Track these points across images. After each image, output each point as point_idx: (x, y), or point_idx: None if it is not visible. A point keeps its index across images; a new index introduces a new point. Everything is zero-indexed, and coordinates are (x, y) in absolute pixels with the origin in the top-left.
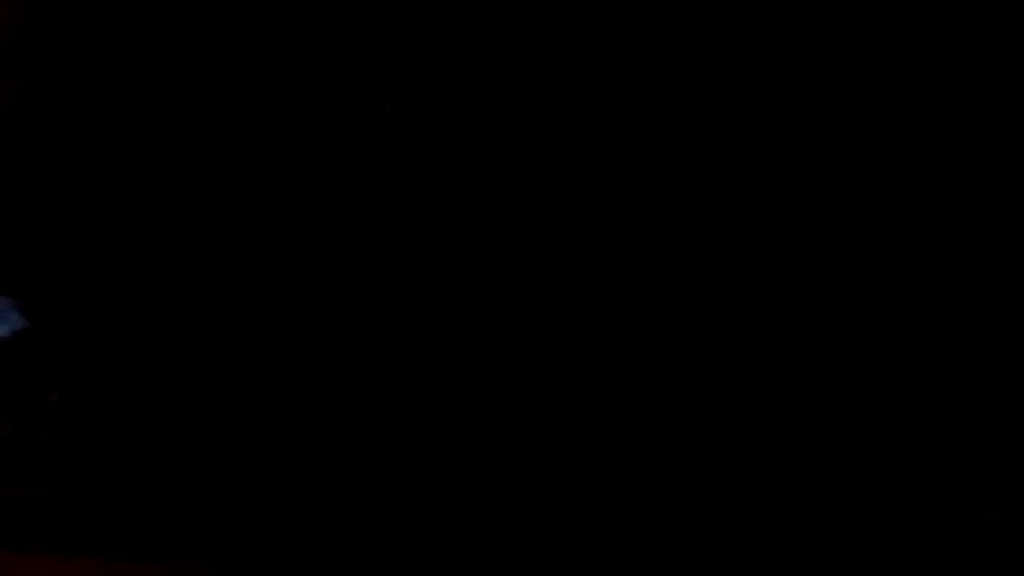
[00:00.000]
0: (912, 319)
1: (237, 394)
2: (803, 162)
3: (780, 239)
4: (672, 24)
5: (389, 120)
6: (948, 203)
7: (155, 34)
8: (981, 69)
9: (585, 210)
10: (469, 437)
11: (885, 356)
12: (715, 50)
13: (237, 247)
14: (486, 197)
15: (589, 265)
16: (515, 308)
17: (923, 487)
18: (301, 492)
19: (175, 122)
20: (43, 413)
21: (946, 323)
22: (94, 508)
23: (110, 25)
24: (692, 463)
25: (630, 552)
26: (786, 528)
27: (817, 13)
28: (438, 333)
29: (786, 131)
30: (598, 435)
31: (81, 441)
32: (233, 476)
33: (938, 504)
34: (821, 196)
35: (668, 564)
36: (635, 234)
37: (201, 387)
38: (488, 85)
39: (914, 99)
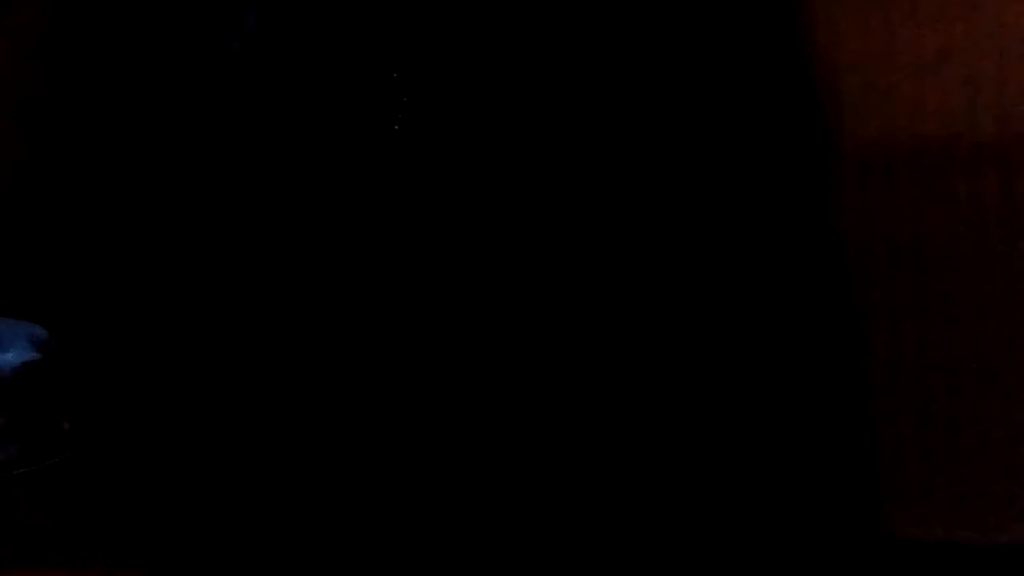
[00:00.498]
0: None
1: (246, 420)
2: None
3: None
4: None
5: (394, 129)
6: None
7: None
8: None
9: (577, 212)
10: (466, 438)
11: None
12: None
13: (248, 273)
14: (484, 201)
15: (583, 266)
16: (509, 309)
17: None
18: (306, 513)
19: (184, 152)
20: (54, 439)
21: None
22: (103, 531)
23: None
24: (687, 463)
25: (628, 552)
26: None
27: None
28: (437, 335)
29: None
30: (593, 436)
31: (92, 467)
32: (240, 498)
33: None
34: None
35: (667, 564)
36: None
37: (211, 413)
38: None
39: None
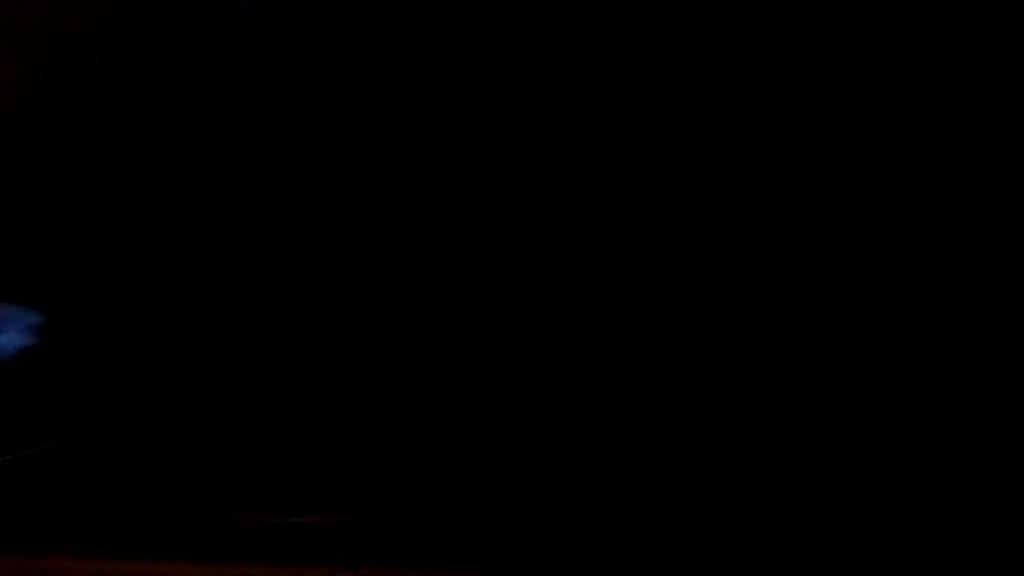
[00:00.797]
0: (912, 320)
1: (243, 398)
2: (801, 163)
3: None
4: (672, 26)
5: (391, 123)
6: (948, 205)
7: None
8: (981, 71)
9: (584, 212)
10: (469, 437)
11: (885, 356)
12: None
13: (245, 256)
14: (488, 198)
15: (589, 267)
16: (514, 310)
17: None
18: (303, 490)
19: (182, 142)
20: (52, 423)
21: (946, 324)
22: (106, 510)
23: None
24: (691, 463)
25: (630, 552)
26: (786, 528)
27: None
28: (439, 334)
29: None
30: (598, 436)
31: (92, 446)
32: (239, 477)
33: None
34: (819, 198)
35: (668, 564)
36: (637, 236)
37: (208, 397)
38: (488, 89)
39: (912, 101)
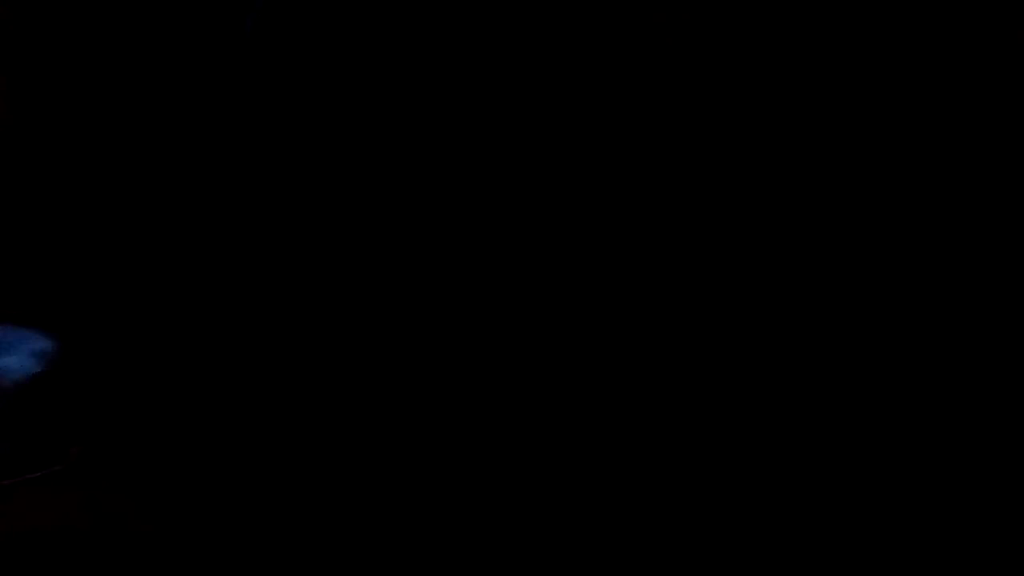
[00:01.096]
0: (911, 320)
1: (251, 428)
2: (802, 164)
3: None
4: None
5: (391, 124)
6: (947, 205)
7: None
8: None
9: (584, 213)
10: (468, 437)
11: (884, 357)
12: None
13: (256, 282)
14: (486, 199)
15: (588, 267)
16: (513, 310)
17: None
18: (307, 506)
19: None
20: (58, 446)
21: (945, 324)
22: (107, 536)
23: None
24: (692, 463)
25: (630, 552)
26: (786, 528)
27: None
28: (438, 333)
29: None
30: (597, 435)
31: (97, 473)
32: (244, 506)
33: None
34: (819, 198)
35: (668, 564)
36: (635, 240)
37: (216, 422)
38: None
39: (912, 100)
